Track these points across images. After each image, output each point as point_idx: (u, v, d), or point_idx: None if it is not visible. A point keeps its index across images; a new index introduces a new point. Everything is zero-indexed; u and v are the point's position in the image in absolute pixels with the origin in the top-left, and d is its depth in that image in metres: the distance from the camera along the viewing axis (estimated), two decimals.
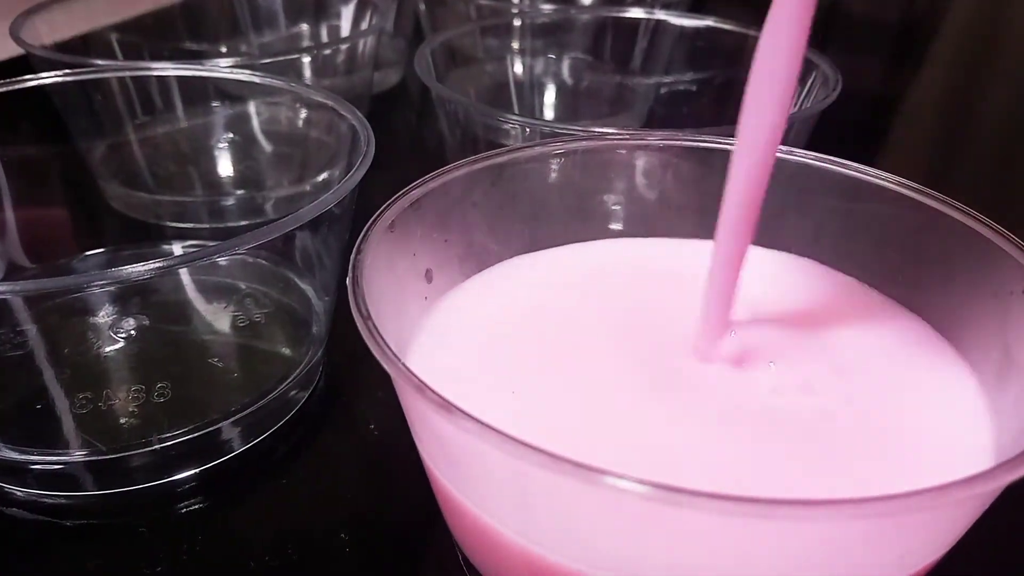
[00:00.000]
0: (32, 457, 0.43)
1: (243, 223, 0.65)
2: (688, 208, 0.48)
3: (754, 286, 0.43)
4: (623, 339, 0.40)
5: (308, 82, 0.70)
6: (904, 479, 0.32)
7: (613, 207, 0.48)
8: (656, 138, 0.47)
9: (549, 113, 0.85)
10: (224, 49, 0.88)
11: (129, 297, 0.52)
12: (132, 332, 0.50)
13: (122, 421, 0.45)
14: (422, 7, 0.93)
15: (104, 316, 0.51)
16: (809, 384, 0.37)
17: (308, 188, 0.67)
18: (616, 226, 0.48)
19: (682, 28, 0.77)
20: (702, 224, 0.47)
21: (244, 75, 0.58)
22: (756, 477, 0.32)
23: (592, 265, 0.46)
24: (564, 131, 0.51)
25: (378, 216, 0.37)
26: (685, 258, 0.47)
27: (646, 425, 0.34)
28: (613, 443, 0.33)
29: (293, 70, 0.68)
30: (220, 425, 0.45)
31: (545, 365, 0.38)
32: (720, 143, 0.46)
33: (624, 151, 0.47)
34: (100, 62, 0.59)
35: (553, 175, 0.46)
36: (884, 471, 0.33)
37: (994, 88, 1.09)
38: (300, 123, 0.68)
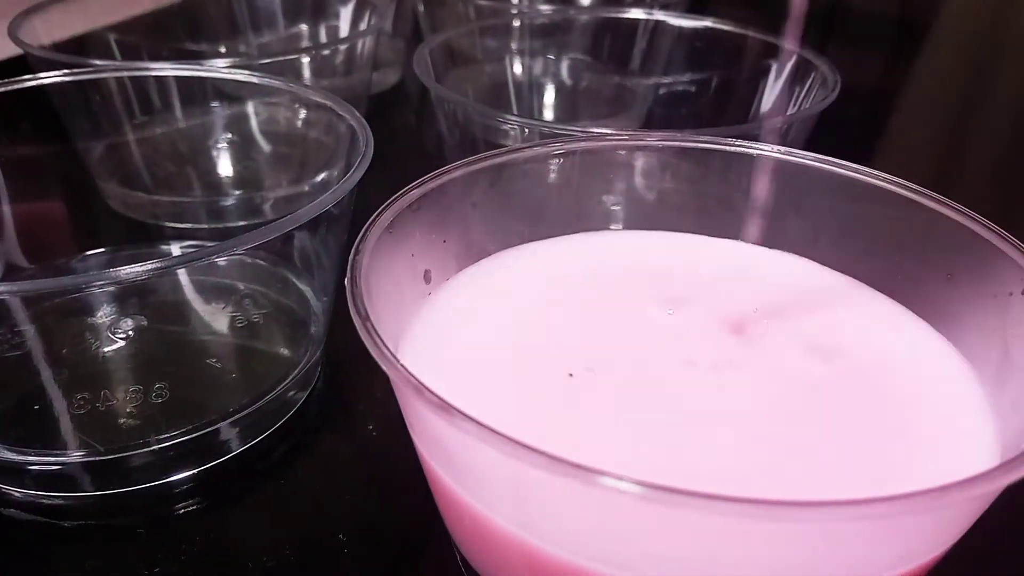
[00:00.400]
0: (30, 458, 0.43)
1: (242, 223, 0.65)
2: (687, 208, 0.48)
3: (756, 287, 0.43)
4: (621, 334, 0.40)
5: (307, 82, 0.70)
6: (906, 478, 0.32)
7: (612, 208, 0.48)
8: (655, 139, 0.47)
9: (548, 114, 0.85)
10: (223, 49, 0.88)
11: (127, 297, 0.52)
12: (130, 332, 0.50)
13: (120, 422, 0.45)
14: (421, 7, 0.93)
15: (102, 316, 0.51)
16: (810, 384, 0.37)
17: (307, 188, 0.67)
18: (615, 227, 0.48)
19: (681, 29, 0.77)
20: (701, 224, 0.47)
21: (242, 75, 0.58)
22: (756, 476, 0.32)
23: (587, 257, 0.46)
24: (563, 132, 0.51)
25: (376, 217, 0.37)
26: (679, 250, 0.47)
27: (642, 422, 0.34)
28: (609, 439, 0.33)
29: (292, 70, 0.68)
30: (218, 426, 0.45)
31: (545, 361, 0.38)
32: (719, 144, 0.46)
33: (623, 152, 0.47)
34: (98, 62, 0.59)
35: (552, 176, 0.46)
36: (886, 470, 0.33)
37: (994, 88, 1.09)
38: (299, 123, 0.68)
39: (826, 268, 0.45)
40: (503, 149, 0.44)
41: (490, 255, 0.45)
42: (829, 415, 0.36)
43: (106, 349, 0.49)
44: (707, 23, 0.75)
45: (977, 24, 1.33)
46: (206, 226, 0.65)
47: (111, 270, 0.36)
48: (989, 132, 0.97)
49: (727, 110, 0.75)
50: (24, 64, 0.63)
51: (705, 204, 0.48)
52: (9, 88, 0.54)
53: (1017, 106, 1.04)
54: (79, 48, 0.74)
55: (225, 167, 0.69)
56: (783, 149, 0.45)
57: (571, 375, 0.37)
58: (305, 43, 0.93)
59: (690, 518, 0.26)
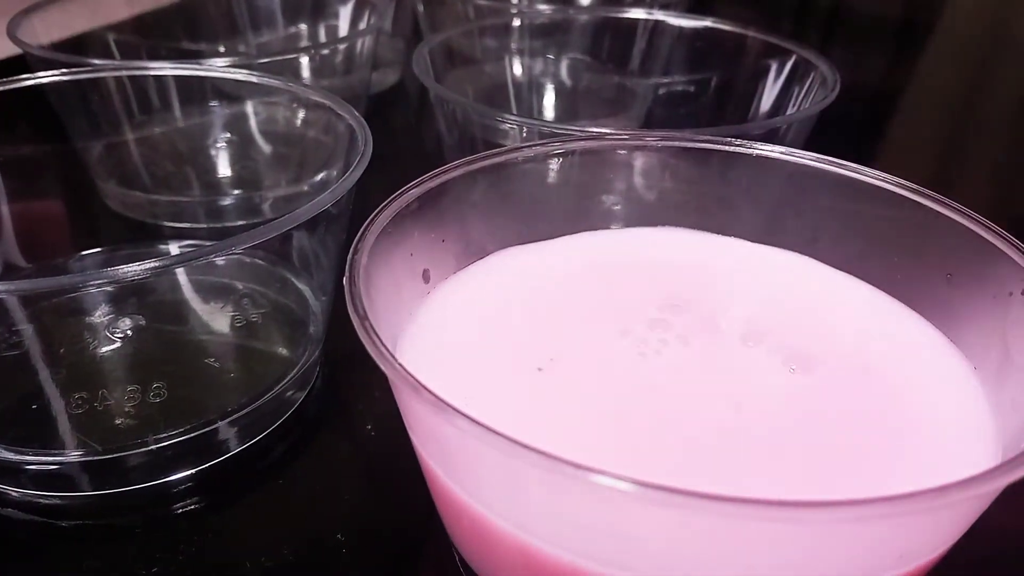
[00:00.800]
0: (27, 457, 0.43)
1: (240, 223, 0.65)
2: (687, 208, 0.48)
3: (756, 285, 0.43)
4: (622, 334, 0.40)
5: (306, 82, 0.70)
6: (905, 477, 0.32)
7: (612, 207, 0.48)
8: (654, 138, 0.47)
9: (547, 113, 0.85)
10: (222, 49, 0.88)
11: (125, 297, 0.52)
12: (128, 332, 0.50)
13: (118, 421, 0.45)
14: (420, 7, 0.93)
15: (100, 316, 0.51)
16: (810, 382, 0.37)
17: (305, 188, 0.67)
18: (615, 226, 0.48)
19: (680, 29, 0.77)
20: (701, 223, 0.47)
21: (242, 75, 0.58)
22: (753, 476, 0.32)
23: (586, 257, 0.46)
24: (562, 131, 0.51)
25: (375, 216, 0.37)
26: (679, 249, 0.47)
27: (643, 423, 0.34)
28: (611, 439, 0.34)
29: (291, 70, 0.68)
30: (217, 425, 0.45)
31: (544, 361, 0.38)
32: (719, 144, 0.46)
33: (622, 151, 0.47)
34: (97, 61, 0.59)
35: (551, 175, 0.46)
36: (885, 469, 0.33)
37: (994, 88, 1.09)
38: (298, 123, 0.68)
39: (826, 266, 0.45)
40: (502, 149, 0.44)
41: (489, 255, 0.45)
42: (828, 414, 0.36)
43: (104, 349, 0.49)
44: (707, 23, 0.75)
45: (978, 25, 1.33)
46: (205, 226, 0.65)
47: (109, 269, 0.36)
48: (989, 132, 0.97)
49: (727, 110, 0.75)
50: (23, 63, 0.63)
51: (705, 204, 0.48)
52: (7, 87, 0.54)
53: (1017, 107, 1.04)
54: (78, 47, 0.74)
55: (224, 167, 0.69)
56: (783, 149, 0.45)
57: (571, 372, 0.37)
58: (304, 42, 0.93)
59: (688, 519, 0.26)
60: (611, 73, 0.84)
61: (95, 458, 0.43)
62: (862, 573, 0.29)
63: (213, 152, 0.70)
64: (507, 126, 0.59)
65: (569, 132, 0.51)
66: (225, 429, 0.45)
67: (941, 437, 0.35)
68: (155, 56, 0.80)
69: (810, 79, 0.65)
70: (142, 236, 0.63)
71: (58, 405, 0.46)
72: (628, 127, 0.79)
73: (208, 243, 0.38)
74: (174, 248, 0.61)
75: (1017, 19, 1.32)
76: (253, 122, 0.70)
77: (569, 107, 0.85)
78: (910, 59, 1.18)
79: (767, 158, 0.45)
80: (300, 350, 0.50)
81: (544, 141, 0.46)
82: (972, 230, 0.39)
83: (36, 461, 0.43)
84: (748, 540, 0.27)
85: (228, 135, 0.70)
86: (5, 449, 0.43)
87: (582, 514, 0.29)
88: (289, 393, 0.48)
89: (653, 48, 0.80)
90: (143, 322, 0.51)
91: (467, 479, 0.32)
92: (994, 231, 0.38)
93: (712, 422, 0.35)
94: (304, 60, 0.72)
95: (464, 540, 0.36)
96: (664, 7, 0.82)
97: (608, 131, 0.48)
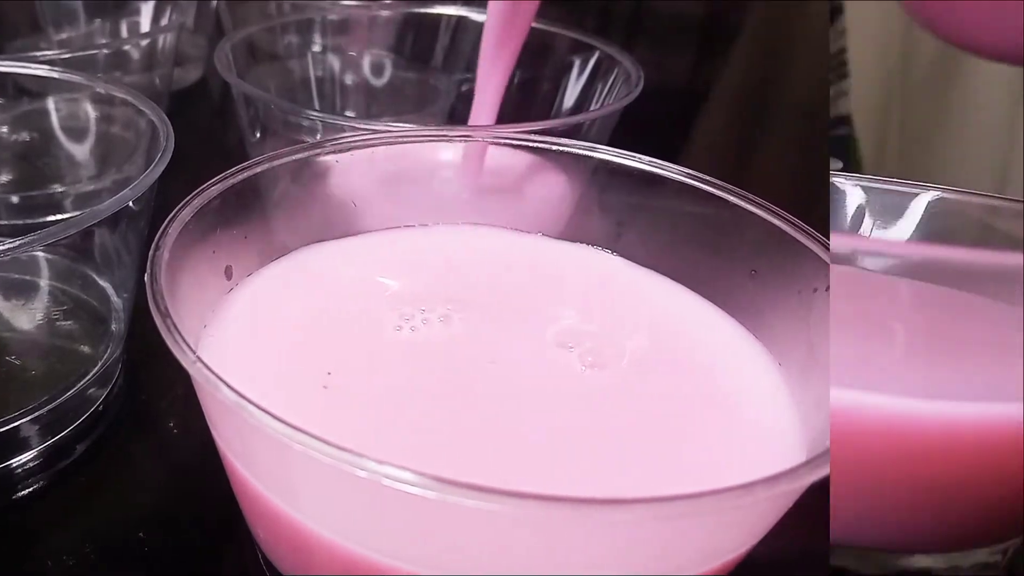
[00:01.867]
0: None
1: (41, 219, 0.64)
2: (489, 205, 0.48)
3: (558, 281, 0.44)
4: (416, 333, 0.40)
5: (107, 78, 0.69)
6: (710, 476, 0.33)
7: (415, 204, 0.48)
8: (456, 135, 0.47)
9: (351, 110, 0.85)
10: (22, 44, 0.87)
11: None
12: None
13: None
14: (222, 4, 0.92)
15: None
16: (611, 379, 0.38)
17: (108, 184, 0.66)
18: (422, 223, 0.48)
19: (483, 25, 0.77)
20: (507, 219, 0.47)
21: (42, 71, 0.58)
22: (557, 473, 0.33)
23: (387, 254, 0.46)
24: (365, 128, 0.52)
25: (177, 212, 0.37)
26: (482, 245, 0.47)
27: (430, 419, 0.35)
28: (411, 441, 0.34)
29: (92, 66, 0.67)
30: (18, 423, 0.44)
31: (337, 360, 0.38)
32: (521, 140, 0.46)
33: (425, 148, 0.48)
34: None
35: (354, 171, 0.47)
36: (686, 466, 0.34)
37: (790, 89, 1.11)
38: (99, 119, 0.67)
39: (630, 263, 0.45)
40: (304, 145, 0.44)
41: (292, 251, 0.45)
42: (626, 411, 0.36)
43: None
44: None
45: (776, 28, 1.35)
46: (6, 222, 0.64)
47: None
48: (786, 132, 0.99)
49: (531, 106, 0.75)
50: None
51: (507, 200, 0.48)
52: None
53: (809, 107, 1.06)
54: None
55: (24, 163, 0.68)
56: (586, 145, 0.45)
57: (377, 370, 0.38)
58: (106, 38, 0.92)
59: (479, 516, 0.26)
60: (414, 70, 0.84)
61: None
62: (665, 569, 0.29)
63: (12, 149, 0.69)
64: (309, 122, 0.59)
65: (372, 128, 0.51)
66: (26, 427, 0.45)
67: (745, 434, 0.36)
68: None
69: (613, 76, 0.66)
70: None
71: None
72: (431, 123, 0.80)
73: (8, 240, 0.38)
74: None
75: (805, 28, 1.35)
76: (54, 118, 0.68)
77: (373, 103, 0.86)
78: (713, 58, 1.20)
79: (570, 154, 0.46)
80: (102, 347, 0.49)
81: (346, 137, 0.46)
82: (776, 225, 0.39)
83: None
84: (540, 538, 0.28)
85: (28, 132, 0.69)
86: None
87: (384, 511, 0.29)
88: (90, 391, 0.48)
89: (456, 45, 0.80)
90: None
91: (269, 476, 0.32)
92: (798, 227, 0.39)
93: (504, 420, 0.35)
94: (105, 56, 0.71)
95: (267, 538, 0.36)
96: (467, 3, 0.82)
97: (410, 127, 0.48)
